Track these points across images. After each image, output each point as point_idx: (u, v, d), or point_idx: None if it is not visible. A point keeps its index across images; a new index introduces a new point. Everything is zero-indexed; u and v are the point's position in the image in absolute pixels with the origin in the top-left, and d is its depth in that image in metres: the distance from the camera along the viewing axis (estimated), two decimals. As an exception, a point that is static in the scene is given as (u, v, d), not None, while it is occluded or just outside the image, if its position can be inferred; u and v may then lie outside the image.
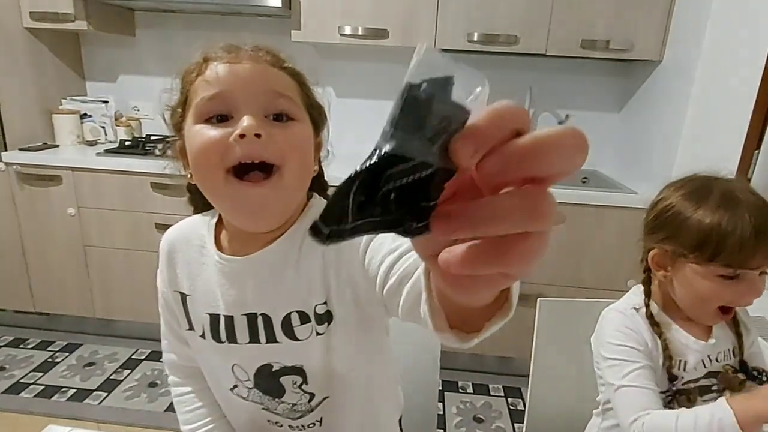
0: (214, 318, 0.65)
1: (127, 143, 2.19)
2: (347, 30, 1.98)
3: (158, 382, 2.02)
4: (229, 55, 0.57)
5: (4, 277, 2.21)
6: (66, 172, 2.01)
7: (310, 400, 0.69)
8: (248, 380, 0.69)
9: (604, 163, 2.39)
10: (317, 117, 0.65)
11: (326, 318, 0.63)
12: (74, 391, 1.96)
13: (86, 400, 1.91)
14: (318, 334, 0.63)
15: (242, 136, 0.53)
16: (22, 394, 1.93)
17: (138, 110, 2.49)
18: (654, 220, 0.81)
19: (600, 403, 0.95)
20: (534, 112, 2.36)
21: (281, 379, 0.67)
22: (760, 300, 1.35)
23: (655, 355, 0.81)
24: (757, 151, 1.31)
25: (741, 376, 0.81)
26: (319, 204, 0.68)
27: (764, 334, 1.22)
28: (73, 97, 2.32)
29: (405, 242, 0.54)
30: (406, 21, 1.98)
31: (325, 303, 0.63)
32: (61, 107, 2.28)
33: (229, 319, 0.64)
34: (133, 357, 2.17)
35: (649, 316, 0.83)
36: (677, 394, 0.80)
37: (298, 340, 0.63)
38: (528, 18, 1.95)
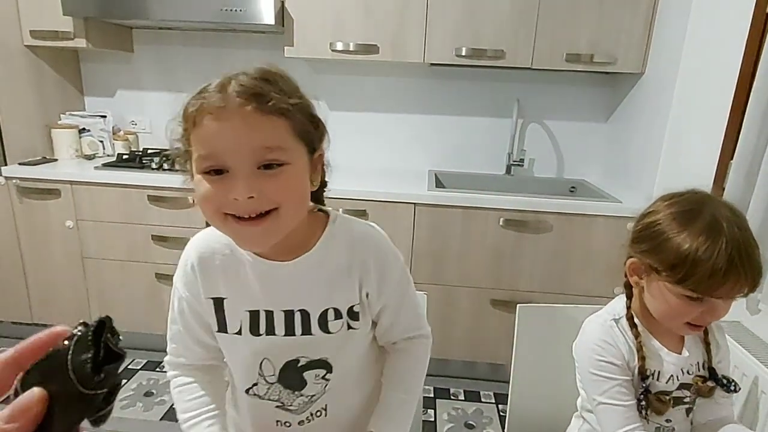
0: (254, 313, 0.74)
1: (124, 157, 2.24)
2: (339, 46, 2.04)
3: (154, 391, 2.05)
4: (218, 108, 0.60)
5: (2, 289, 2.24)
6: (65, 186, 2.06)
7: (326, 386, 0.79)
8: (272, 375, 0.77)
9: (591, 172, 2.45)
10: (314, 134, 0.68)
11: (356, 317, 0.76)
12: (72, 401, 1.98)
13: (84, 410, 1.94)
14: (349, 328, 0.76)
15: (236, 199, 0.60)
16: (21, 404, 1.95)
17: (135, 124, 2.54)
18: (639, 231, 0.83)
19: (579, 407, 0.98)
20: (522, 123, 2.42)
21: (305, 374, 0.76)
22: (736, 304, 1.40)
23: (632, 364, 0.84)
24: (731, 162, 1.36)
25: (710, 383, 0.85)
26: (343, 219, 0.78)
27: (740, 338, 1.27)
28: (72, 112, 2.37)
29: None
30: (396, 36, 2.04)
31: (357, 304, 0.76)
32: (60, 122, 2.33)
33: (270, 314, 0.73)
34: (129, 367, 2.20)
35: (630, 318, 0.86)
36: (648, 394, 0.83)
37: (330, 333, 0.75)
38: (513, 33, 2.01)
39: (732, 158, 1.37)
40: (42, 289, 2.23)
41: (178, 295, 0.78)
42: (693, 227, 0.74)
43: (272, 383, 0.78)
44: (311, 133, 0.68)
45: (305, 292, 0.74)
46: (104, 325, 0.29)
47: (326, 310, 0.74)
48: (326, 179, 0.76)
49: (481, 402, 2.11)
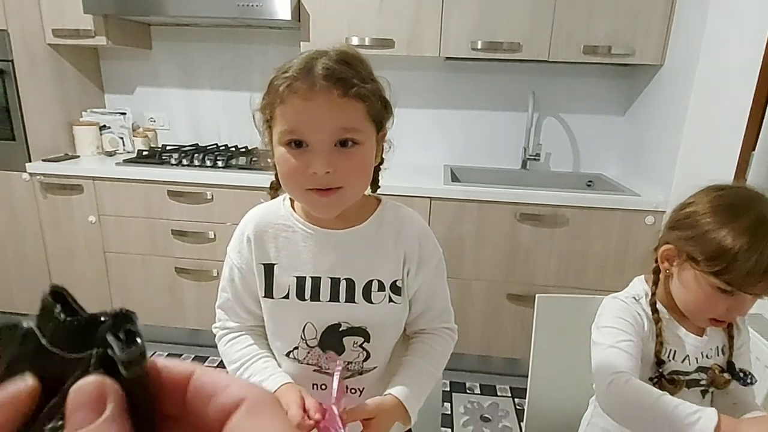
0: (301, 279, 0.79)
1: (144, 153, 2.27)
2: (354, 41, 2.05)
3: (175, 383, 2.09)
4: (305, 87, 0.67)
5: (28, 283, 2.30)
6: (87, 182, 2.10)
7: (365, 360, 0.82)
8: (314, 338, 0.81)
9: (609, 166, 2.42)
10: (384, 115, 0.76)
11: (398, 291, 0.81)
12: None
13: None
14: (390, 301, 0.80)
15: (315, 172, 0.69)
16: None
17: (154, 121, 2.58)
18: (681, 219, 0.82)
19: (595, 391, 0.98)
20: (538, 117, 2.40)
21: (344, 339, 0.80)
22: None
23: (649, 342, 0.85)
24: (753, 152, 1.34)
25: (726, 375, 0.85)
26: (393, 203, 0.87)
27: (762, 330, 1.25)
28: (93, 110, 2.41)
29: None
30: (412, 31, 2.04)
31: (400, 280, 0.81)
32: (81, 119, 2.37)
33: (316, 280, 0.78)
34: (151, 359, 2.25)
35: (653, 303, 0.86)
36: (662, 379, 0.83)
37: (372, 303, 0.79)
38: (530, 25, 2.00)
39: (754, 149, 1.35)
40: (65, 282, 2.22)
41: (230, 264, 0.84)
42: (739, 222, 0.74)
43: (312, 347, 0.82)
44: (382, 114, 0.75)
45: (353, 262, 0.79)
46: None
47: (371, 281, 0.79)
48: (383, 156, 0.83)
49: (497, 396, 2.11)
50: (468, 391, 2.14)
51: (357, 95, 0.68)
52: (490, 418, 1.98)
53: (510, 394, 2.12)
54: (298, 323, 0.81)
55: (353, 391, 0.85)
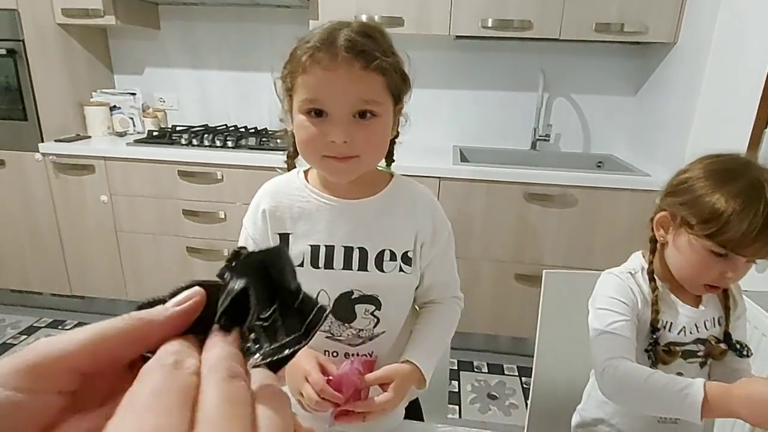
0: (315, 248, 0.80)
1: (154, 133, 2.29)
2: (363, 19, 2.03)
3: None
4: (327, 58, 0.68)
5: (42, 262, 2.34)
6: (98, 162, 2.12)
7: (375, 326, 0.84)
8: (327, 304, 0.80)
9: (620, 147, 2.40)
10: (402, 88, 0.78)
11: (408, 262, 0.83)
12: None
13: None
14: (401, 270, 0.82)
15: (333, 141, 0.71)
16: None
17: (164, 102, 2.59)
18: (676, 185, 0.84)
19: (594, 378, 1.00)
20: (548, 97, 2.38)
21: (356, 306, 0.82)
22: (765, 275, 1.38)
23: (643, 315, 0.86)
24: (766, 130, 1.33)
25: (723, 346, 0.85)
26: (408, 183, 0.88)
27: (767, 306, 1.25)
28: (103, 90, 2.43)
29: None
30: (421, 8, 2.02)
31: (411, 251, 0.83)
32: (91, 100, 2.39)
33: (330, 249, 0.80)
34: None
35: (650, 273, 0.87)
36: (656, 346, 0.84)
37: (384, 272, 0.81)
38: (541, 3, 1.97)
39: (766, 127, 1.33)
40: (79, 261, 2.32)
41: (245, 234, 0.87)
42: (733, 185, 0.75)
43: None
44: (400, 88, 0.77)
45: (366, 232, 0.81)
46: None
47: (383, 250, 0.81)
48: (399, 130, 0.85)
49: (504, 374, 2.14)
50: (476, 369, 2.16)
51: (378, 68, 0.70)
52: (497, 396, 2.00)
53: (517, 373, 2.14)
54: (312, 291, 0.81)
55: (365, 356, 0.87)
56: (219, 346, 0.24)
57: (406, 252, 0.82)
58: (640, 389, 0.75)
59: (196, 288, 0.25)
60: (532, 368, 1.16)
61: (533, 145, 2.39)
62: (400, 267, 0.82)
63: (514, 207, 1.96)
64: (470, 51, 2.36)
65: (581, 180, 1.89)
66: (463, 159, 2.23)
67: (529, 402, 1.17)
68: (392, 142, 0.87)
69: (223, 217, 2.13)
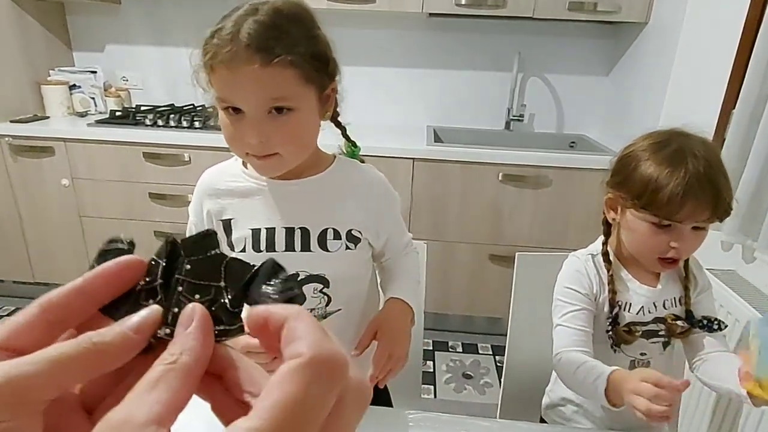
0: (256, 231, 0.79)
1: (117, 114, 2.20)
2: (332, -5, 1.97)
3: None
4: (229, 57, 0.65)
5: (3, 249, 2.24)
6: (58, 143, 2.03)
7: (327, 304, 0.83)
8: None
9: (592, 127, 2.42)
10: (324, 74, 0.73)
11: (354, 240, 0.81)
12: (77, 356, 2.03)
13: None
14: (347, 248, 0.81)
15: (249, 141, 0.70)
16: (27, 359, 2.00)
17: (127, 80, 2.48)
18: (616, 164, 0.86)
19: None
20: (522, 77, 2.37)
21: (304, 287, 0.81)
22: (730, 254, 1.41)
23: (600, 296, 0.87)
24: (734, 111, 1.34)
25: (680, 323, 0.86)
26: (350, 162, 0.86)
27: (735, 286, 1.28)
28: (61, 68, 2.31)
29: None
30: (393, -15, 1.97)
31: (356, 229, 0.81)
32: (49, 78, 2.27)
33: (271, 231, 0.79)
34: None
35: (605, 253, 0.89)
36: (617, 327, 0.85)
37: (329, 251, 0.80)
38: (515, -20, 1.94)
39: (734, 107, 1.34)
40: (41, 248, 2.23)
41: (190, 222, 0.87)
42: (658, 155, 0.78)
43: None
44: (321, 74, 0.72)
45: (307, 211, 0.80)
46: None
47: (326, 229, 0.80)
48: (338, 110, 0.82)
49: (478, 354, 2.16)
50: (450, 349, 2.18)
51: (282, 63, 0.66)
52: (471, 375, 2.03)
53: (491, 352, 2.17)
54: None
55: None
56: None
57: (350, 230, 0.81)
58: (571, 381, 0.82)
59: (154, 308, 0.23)
60: (505, 347, 1.16)
61: (507, 125, 2.38)
62: (346, 245, 0.81)
63: (489, 188, 1.96)
64: (444, 30, 2.32)
65: (555, 160, 1.89)
66: (437, 139, 2.21)
67: (502, 382, 1.18)
68: (338, 121, 0.85)
69: (191, 200, 2.06)
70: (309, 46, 0.69)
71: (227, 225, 0.81)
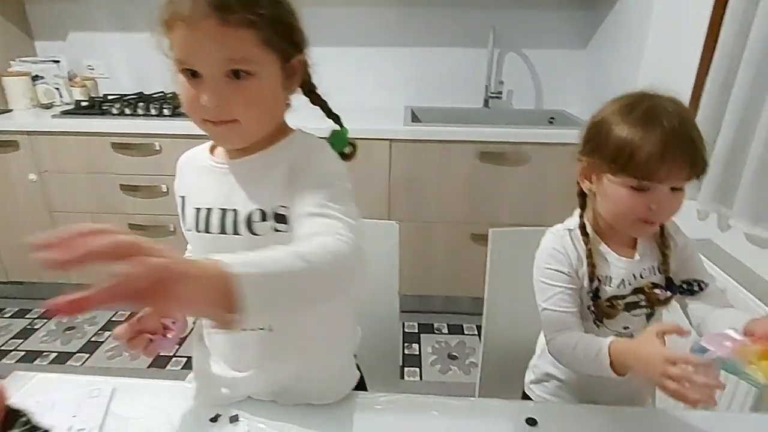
0: (198, 211, 0.78)
1: (83, 104, 2.12)
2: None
3: (139, 340, 2.06)
4: (186, 12, 0.62)
5: (-28, 248, 2.18)
6: (22, 137, 1.96)
7: None
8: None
9: (572, 102, 2.40)
10: (288, 42, 0.70)
11: (282, 219, 0.74)
12: (55, 354, 1.99)
13: (68, 362, 1.95)
14: (275, 230, 0.74)
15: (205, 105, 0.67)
16: (4, 360, 1.95)
17: (92, 69, 2.40)
18: (587, 131, 0.84)
19: None
20: (499, 53, 2.33)
21: None
22: (706, 222, 1.40)
23: (581, 271, 0.85)
24: (707, 79, 1.33)
25: (659, 292, 0.85)
26: (302, 137, 0.80)
27: (711, 255, 1.28)
28: (23, 59, 2.22)
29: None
30: (363, -39, 1.91)
31: (285, 207, 0.73)
32: (10, 70, 2.19)
33: (208, 211, 0.77)
34: (113, 320, 2.20)
35: (581, 226, 0.87)
36: (597, 300, 0.84)
37: (257, 234, 0.75)
38: (488, -47, 1.89)
39: (707, 76, 1.33)
40: (13, 246, 2.17)
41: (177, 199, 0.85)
42: (631, 116, 0.75)
43: None
44: (284, 41, 0.69)
45: (241, 193, 0.76)
46: None
47: (252, 211, 0.75)
48: (313, 82, 0.79)
49: (464, 334, 2.16)
50: (436, 331, 2.18)
51: (241, 22, 0.63)
52: (457, 355, 2.02)
53: (476, 332, 2.17)
54: (201, 256, 0.75)
55: (261, 328, 0.80)
56: None
57: (276, 208, 0.74)
58: (571, 360, 0.82)
59: None
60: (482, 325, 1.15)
61: (486, 103, 2.35)
62: (274, 228, 0.75)
63: (468, 166, 1.93)
64: (418, 6, 2.27)
65: (533, 136, 1.87)
66: (415, 119, 2.17)
67: (479, 360, 1.17)
68: (316, 96, 0.81)
69: (165, 190, 2.01)
70: (271, 9, 0.66)
71: (182, 202, 0.81)
